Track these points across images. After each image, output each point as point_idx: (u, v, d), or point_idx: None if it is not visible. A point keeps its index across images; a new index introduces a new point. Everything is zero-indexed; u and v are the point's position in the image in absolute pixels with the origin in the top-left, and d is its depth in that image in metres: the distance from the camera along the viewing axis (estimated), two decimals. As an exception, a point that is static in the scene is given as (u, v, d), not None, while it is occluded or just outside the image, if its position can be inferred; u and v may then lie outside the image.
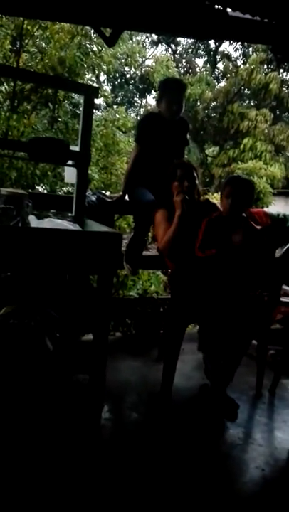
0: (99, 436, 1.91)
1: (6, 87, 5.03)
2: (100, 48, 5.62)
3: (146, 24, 2.77)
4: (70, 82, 3.67)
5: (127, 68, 11.46)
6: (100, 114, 7.71)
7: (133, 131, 6.99)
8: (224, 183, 2.35)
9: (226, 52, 14.87)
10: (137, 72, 12.04)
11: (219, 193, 2.49)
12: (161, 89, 2.88)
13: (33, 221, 1.89)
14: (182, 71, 13.83)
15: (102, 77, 10.76)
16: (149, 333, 3.19)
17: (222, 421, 2.16)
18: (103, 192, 3.37)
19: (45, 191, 5.58)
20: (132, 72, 12.40)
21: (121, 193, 3.03)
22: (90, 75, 6.06)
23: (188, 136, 3.05)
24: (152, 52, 14.01)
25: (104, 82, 12.21)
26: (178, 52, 15.52)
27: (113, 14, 2.62)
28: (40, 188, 5.68)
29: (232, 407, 2.24)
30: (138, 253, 2.99)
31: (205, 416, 2.18)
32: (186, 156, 3.51)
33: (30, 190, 5.08)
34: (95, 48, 5.71)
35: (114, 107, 8.50)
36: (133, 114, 13.08)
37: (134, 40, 11.56)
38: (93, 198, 2.94)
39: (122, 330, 3.31)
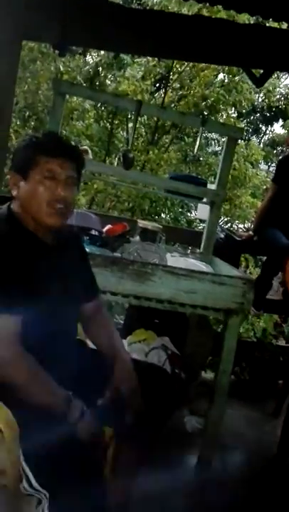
0: (208, 486, 1.83)
1: (147, 120, 5.39)
2: (242, 84, 5.65)
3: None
4: (216, 123, 3.82)
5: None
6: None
7: (258, 161, 6.87)
8: None
9: None
10: (266, 100, 11.78)
11: None
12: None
13: (170, 259, 1.95)
14: None
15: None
16: (265, 381, 3.00)
17: None
18: (232, 229, 3.35)
19: (168, 218, 5.80)
20: (260, 101, 12.19)
21: (251, 232, 2.97)
22: (231, 111, 6.07)
23: None
24: (285, 81, 13.56)
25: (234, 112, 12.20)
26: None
27: (266, 55, 2.61)
28: (163, 215, 5.92)
29: None
30: (263, 295, 2.88)
31: None
32: None
33: (156, 217, 5.34)
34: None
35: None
36: (256, 141, 12.76)
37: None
38: (222, 236, 2.93)
39: (236, 373, 3.18)
